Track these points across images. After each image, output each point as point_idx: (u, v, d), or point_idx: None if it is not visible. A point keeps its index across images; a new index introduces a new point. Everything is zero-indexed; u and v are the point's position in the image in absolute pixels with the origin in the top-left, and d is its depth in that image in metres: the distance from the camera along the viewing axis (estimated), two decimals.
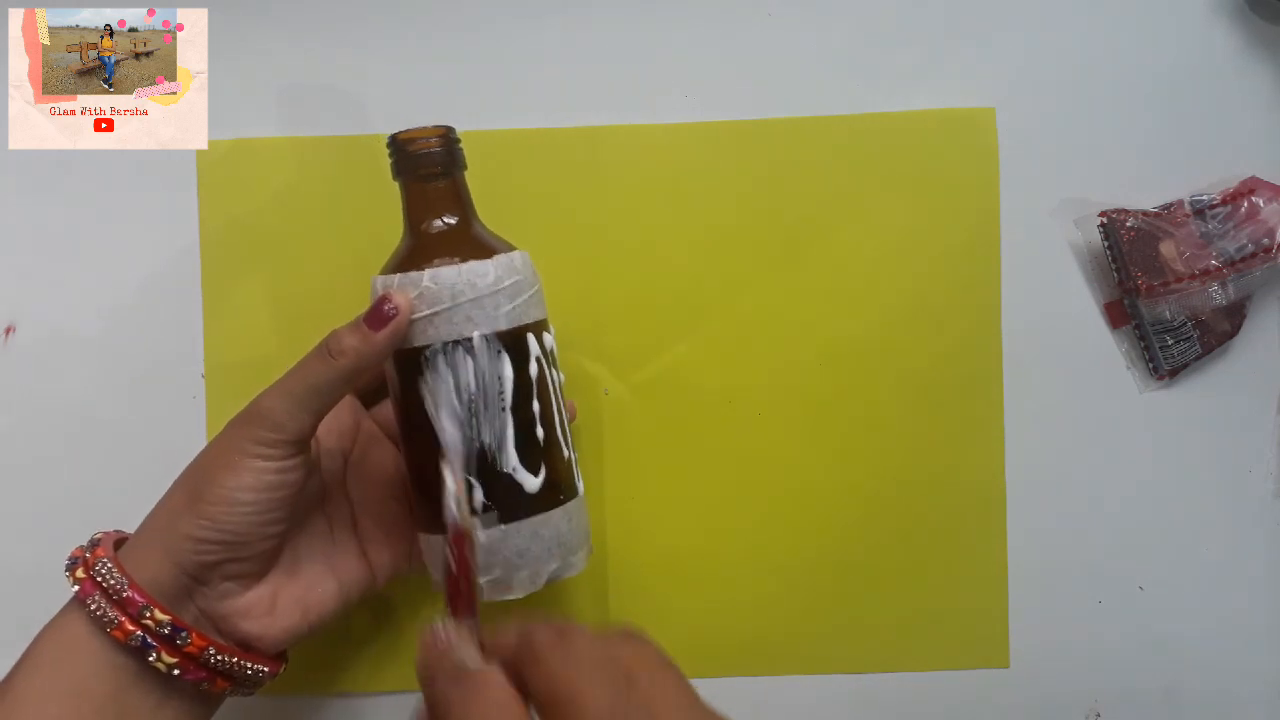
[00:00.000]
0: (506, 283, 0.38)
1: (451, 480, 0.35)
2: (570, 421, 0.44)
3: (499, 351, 0.37)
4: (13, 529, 0.47)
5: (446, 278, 0.37)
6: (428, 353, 0.37)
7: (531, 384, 0.38)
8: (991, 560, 0.47)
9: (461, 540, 0.34)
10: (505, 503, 0.38)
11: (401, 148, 0.39)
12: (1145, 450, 0.48)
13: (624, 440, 0.47)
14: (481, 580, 0.38)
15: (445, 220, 0.39)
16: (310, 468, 0.38)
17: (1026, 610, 0.47)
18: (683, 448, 0.47)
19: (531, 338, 0.38)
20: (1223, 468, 0.48)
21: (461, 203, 0.40)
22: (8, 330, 0.47)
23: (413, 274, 0.37)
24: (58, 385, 0.47)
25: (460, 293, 0.37)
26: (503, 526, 0.38)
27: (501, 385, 0.38)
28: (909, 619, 0.47)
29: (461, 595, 0.34)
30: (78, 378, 0.47)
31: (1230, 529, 0.48)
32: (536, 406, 0.38)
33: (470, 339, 0.37)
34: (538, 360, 0.39)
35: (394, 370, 0.39)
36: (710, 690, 0.47)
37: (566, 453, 0.40)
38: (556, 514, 0.38)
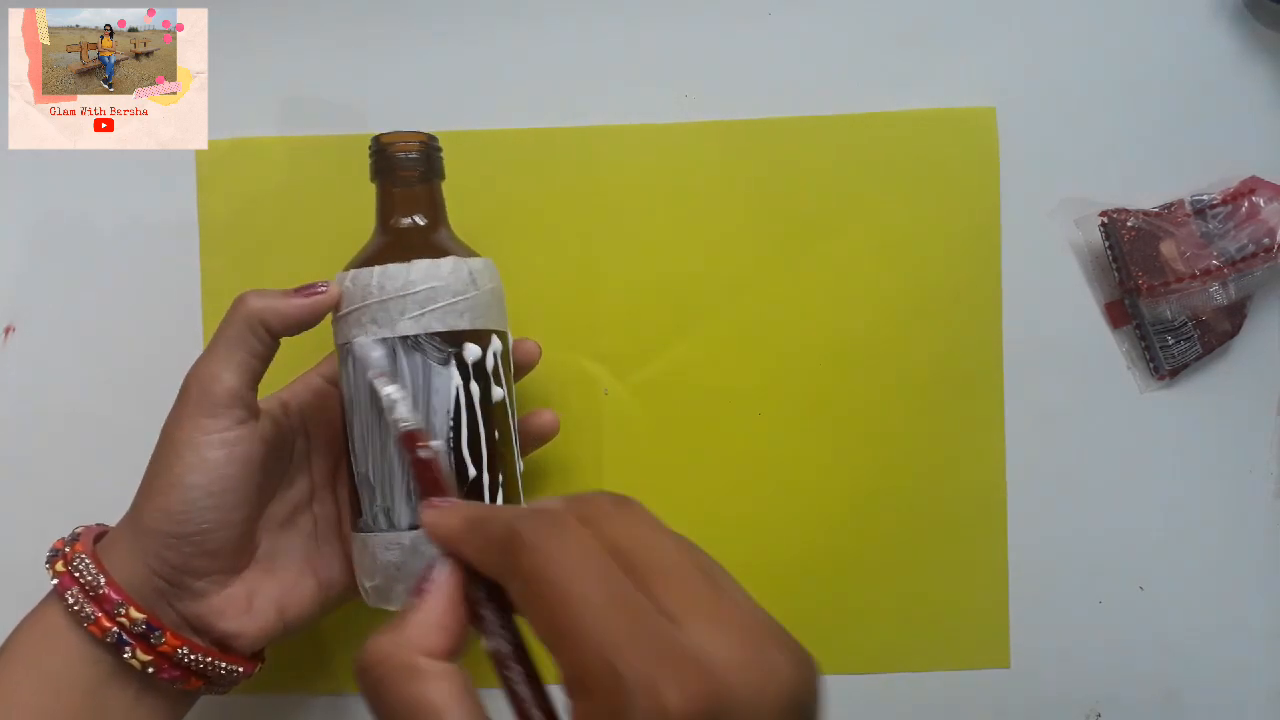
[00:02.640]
0: (419, 288, 0.37)
1: (388, 387, 0.35)
2: (547, 436, 0.43)
3: (395, 357, 0.37)
4: (12, 528, 0.47)
5: (362, 279, 0.37)
6: (341, 350, 0.38)
7: None
8: (992, 560, 0.47)
9: (413, 440, 0.34)
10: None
11: (382, 150, 0.40)
12: (1145, 450, 0.48)
13: (624, 440, 0.47)
14: (365, 584, 0.38)
15: (413, 223, 0.40)
16: (263, 444, 0.38)
17: (1027, 610, 0.47)
18: (683, 448, 0.47)
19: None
20: (1223, 468, 0.48)
21: (432, 209, 0.40)
22: (8, 330, 0.47)
23: (346, 272, 0.38)
24: (58, 385, 0.47)
25: (370, 294, 0.37)
26: (382, 534, 0.37)
27: (376, 393, 0.37)
28: (909, 619, 0.47)
29: (428, 483, 0.32)
30: (78, 377, 0.47)
31: (1231, 529, 0.47)
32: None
33: (365, 341, 0.37)
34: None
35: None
36: None
37: (474, 472, 0.38)
38: None
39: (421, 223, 0.40)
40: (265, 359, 0.38)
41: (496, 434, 0.39)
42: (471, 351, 0.38)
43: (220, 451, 0.36)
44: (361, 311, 0.37)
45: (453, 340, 0.38)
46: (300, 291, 0.37)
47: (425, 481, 0.33)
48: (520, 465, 0.41)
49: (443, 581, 0.27)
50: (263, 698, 0.47)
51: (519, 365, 0.43)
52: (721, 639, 0.23)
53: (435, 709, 0.24)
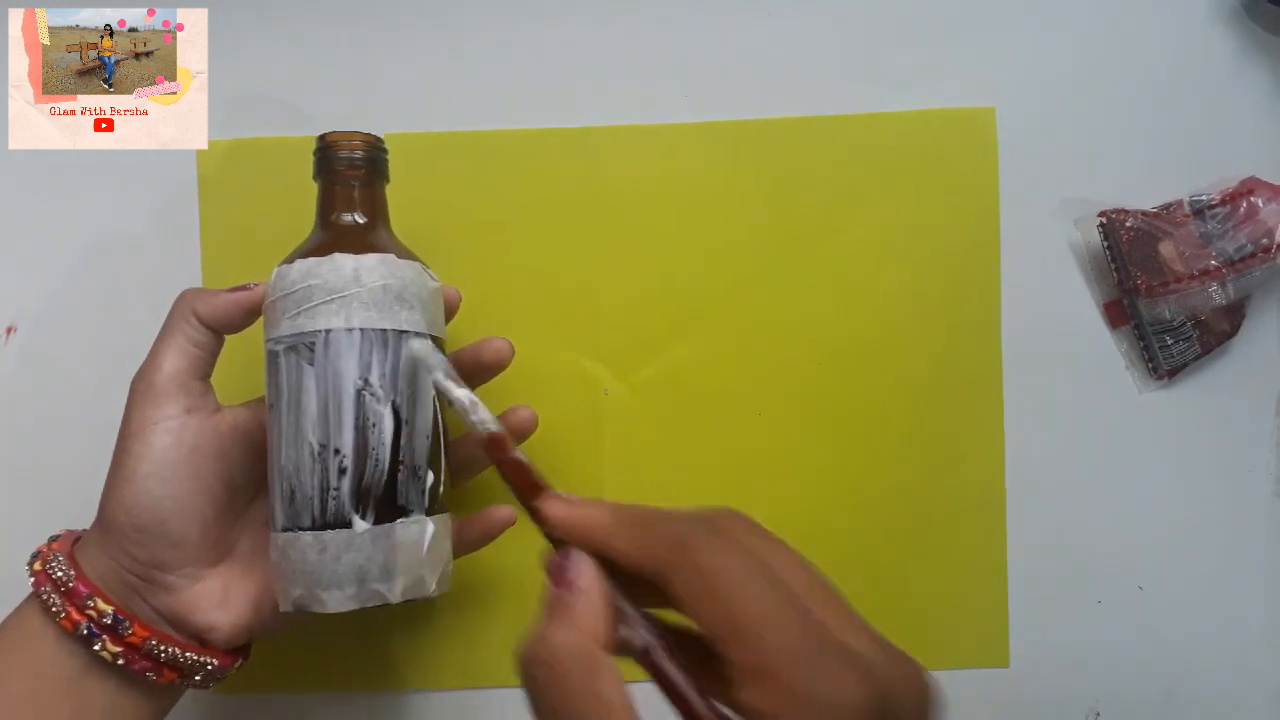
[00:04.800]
0: (296, 288, 0.37)
1: (458, 390, 0.35)
2: (524, 434, 0.43)
3: (275, 358, 0.37)
4: (12, 528, 0.46)
5: (271, 279, 0.38)
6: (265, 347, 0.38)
7: None
8: (991, 560, 0.47)
9: (498, 443, 0.33)
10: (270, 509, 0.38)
11: (325, 150, 0.39)
12: (1145, 450, 0.48)
13: (624, 440, 0.47)
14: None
15: (353, 220, 0.39)
16: (219, 435, 0.38)
17: (1026, 610, 0.47)
18: (683, 448, 0.47)
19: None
20: (1223, 468, 0.48)
21: (370, 210, 0.40)
22: (8, 330, 0.47)
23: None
24: (58, 385, 0.47)
25: (268, 295, 0.38)
26: (273, 533, 0.37)
27: (270, 391, 0.37)
28: (909, 619, 0.47)
29: (527, 485, 0.32)
30: (78, 377, 0.47)
31: (1230, 529, 0.47)
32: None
33: (265, 343, 0.37)
34: None
35: None
36: None
37: (337, 483, 0.36)
38: (305, 538, 0.36)
39: (360, 221, 0.40)
40: (205, 348, 0.39)
41: (381, 437, 0.37)
42: None
43: (167, 439, 0.37)
44: (265, 312, 0.38)
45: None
46: (232, 288, 0.39)
47: (521, 484, 0.32)
48: (430, 477, 0.38)
49: (593, 575, 0.29)
50: (261, 698, 0.47)
51: (489, 365, 0.42)
52: (866, 644, 0.27)
53: (615, 706, 0.26)
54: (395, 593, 0.37)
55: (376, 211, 0.40)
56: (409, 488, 0.37)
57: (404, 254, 0.39)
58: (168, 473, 0.37)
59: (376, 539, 0.36)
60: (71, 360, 0.47)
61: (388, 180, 0.41)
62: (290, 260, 0.38)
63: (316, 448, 0.36)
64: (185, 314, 0.38)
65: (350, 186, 0.40)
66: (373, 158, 0.40)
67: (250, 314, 0.39)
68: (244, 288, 0.39)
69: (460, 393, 0.35)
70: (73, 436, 0.47)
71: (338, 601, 0.36)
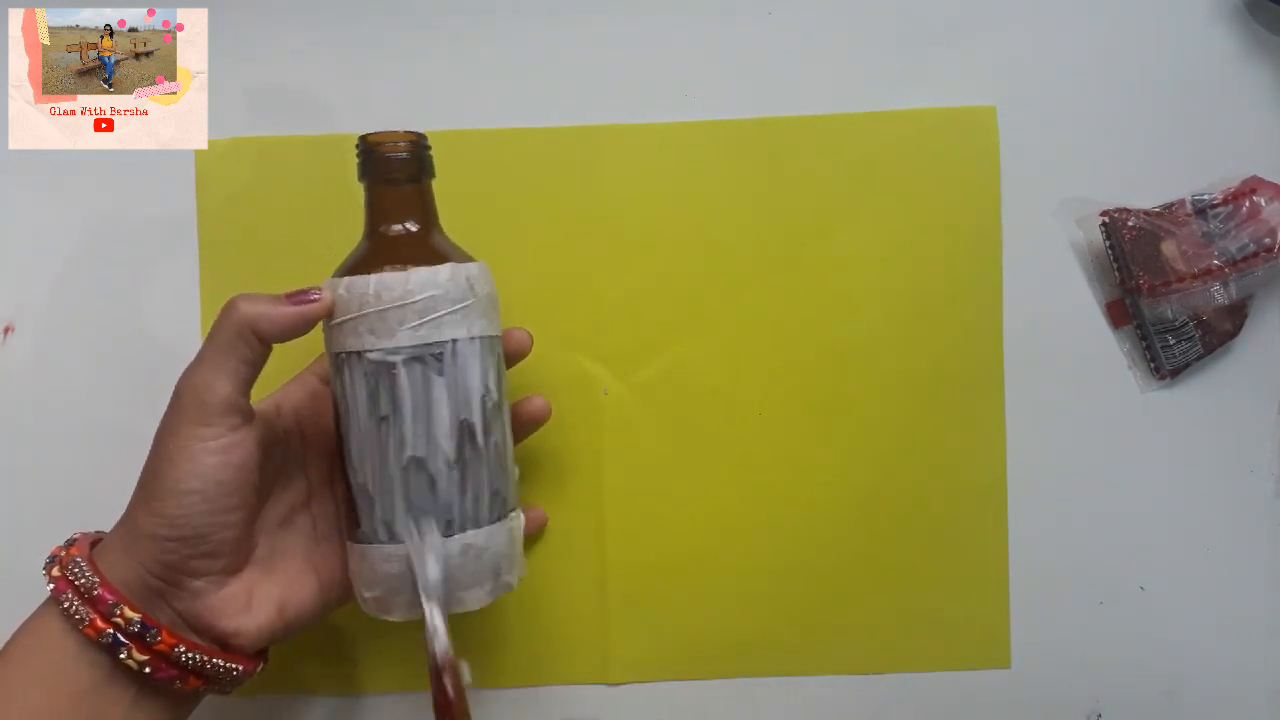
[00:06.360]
0: (418, 298, 0.36)
1: (433, 616, 0.36)
2: (539, 421, 0.43)
3: (391, 369, 0.36)
4: (12, 529, 0.47)
5: (358, 287, 0.37)
6: (337, 360, 0.37)
7: None
8: (992, 560, 0.47)
9: (448, 672, 0.35)
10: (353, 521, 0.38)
11: (369, 150, 0.39)
12: (1147, 450, 0.48)
13: (624, 440, 0.47)
14: (364, 594, 0.38)
15: (404, 227, 0.39)
16: (259, 446, 0.38)
17: (1027, 611, 0.47)
18: (683, 448, 0.47)
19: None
20: (1224, 468, 0.48)
21: (423, 211, 0.39)
22: (7, 330, 0.47)
23: (340, 279, 0.37)
24: (58, 385, 0.47)
25: (367, 303, 0.36)
26: (382, 546, 0.37)
27: (381, 403, 0.37)
28: (909, 619, 0.47)
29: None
30: (78, 378, 0.47)
31: (1232, 529, 0.47)
32: None
33: (359, 353, 0.37)
34: None
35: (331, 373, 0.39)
36: (710, 691, 0.47)
37: (473, 485, 0.38)
38: (447, 544, 0.37)
39: (413, 227, 0.39)
40: (257, 365, 0.37)
41: (495, 440, 0.38)
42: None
43: (216, 458, 0.36)
44: (358, 321, 0.36)
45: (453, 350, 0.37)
46: (292, 298, 0.37)
47: (444, 707, 0.34)
48: (516, 471, 0.40)
49: None
50: (265, 699, 0.47)
51: (510, 355, 0.42)
52: None
53: None
54: (515, 581, 0.39)
55: (428, 211, 0.40)
56: (511, 482, 0.40)
57: (464, 255, 0.39)
58: (214, 491, 0.36)
59: (502, 534, 0.38)
60: (69, 360, 0.47)
61: (434, 176, 0.40)
62: (349, 270, 0.37)
63: (453, 456, 0.37)
64: (243, 332, 0.36)
65: (400, 187, 0.39)
66: (418, 155, 0.39)
67: (313, 325, 0.37)
68: (305, 298, 0.37)
69: (434, 618, 0.36)
70: (71, 436, 0.47)
71: (477, 599, 0.38)
